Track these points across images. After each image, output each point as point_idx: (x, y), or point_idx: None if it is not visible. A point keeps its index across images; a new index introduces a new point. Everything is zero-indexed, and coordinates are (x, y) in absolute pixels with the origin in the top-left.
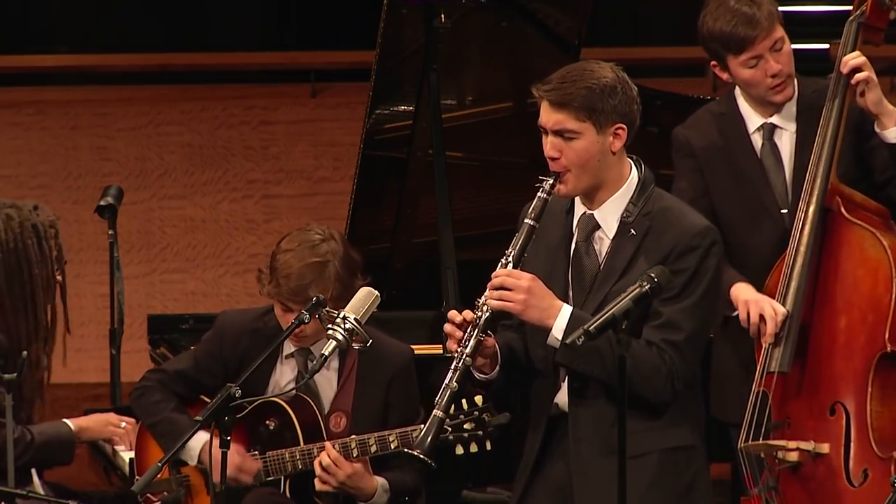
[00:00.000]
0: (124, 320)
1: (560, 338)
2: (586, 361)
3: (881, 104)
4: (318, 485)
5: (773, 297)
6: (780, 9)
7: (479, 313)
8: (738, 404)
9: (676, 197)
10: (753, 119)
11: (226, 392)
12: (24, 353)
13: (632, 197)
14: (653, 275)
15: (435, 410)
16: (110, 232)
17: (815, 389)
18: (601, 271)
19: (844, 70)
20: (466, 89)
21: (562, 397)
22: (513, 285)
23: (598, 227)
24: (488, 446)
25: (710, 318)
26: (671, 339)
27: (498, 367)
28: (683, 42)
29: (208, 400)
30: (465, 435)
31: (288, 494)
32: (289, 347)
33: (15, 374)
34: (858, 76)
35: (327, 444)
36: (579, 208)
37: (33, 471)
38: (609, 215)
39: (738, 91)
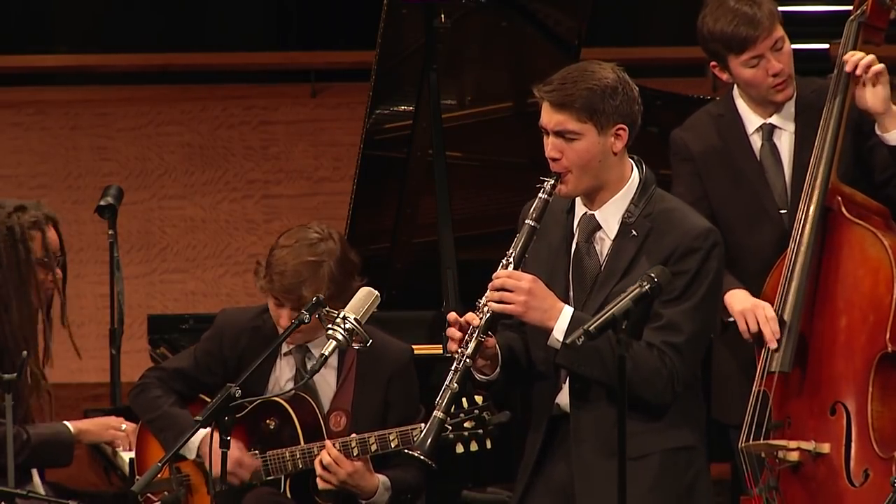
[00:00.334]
0: (124, 320)
1: (561, 339)
2: (587, 363)
3: (886, 103)
4: (319, 483)
5: (774, 298)
6: (780, 9)
7: (480, 315)
8: (740, 406)
9: None
10: (752, 120)
11: (226, 392)
12: (24, 353)
13: (633, 198)
14: (653, 275)
15: (436, 411)
16: (110, 232)
17: (815, 389)
18: (602, 272)
19: (859, 71)
20: (466, 89)
21: (563, 398)
22: (513, 287)
23: (599, 227)
24: (488, 445)
25: (711, 320)
26: (672, 341)
27: (498, 368)
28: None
29: (208, 399)
30: (466, 433)
31: (288, 494)
32: (286, 345)
33: (15, 375)
34: (875, 68)
35: (327, 442)
36: (580, 209)
37: (34, 471)
38: (610, 216)
39: (736, 92)
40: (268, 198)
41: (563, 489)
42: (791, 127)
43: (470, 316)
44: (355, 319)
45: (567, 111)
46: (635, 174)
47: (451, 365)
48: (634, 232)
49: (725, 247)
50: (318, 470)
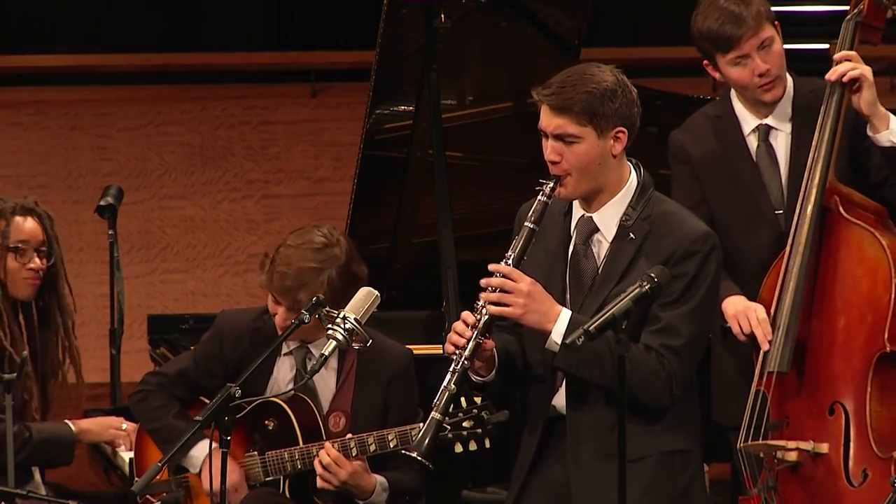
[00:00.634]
0: (124, 320)
1: (559, 342)
2: (585, 365)
3: (874, 106)
4: (319, 483)
5: (771, 298)
6: (781, 9)
7: (478, 315)
8: (739, 409)
9: None
10: (749, 120)
11: (226, 392)
12: (24, 352)
13: (631, 201)
14: (653, 275)
15: (433, 412)
16: (110, 232)
17: (814, 389)
18: (599, 274)
19: (832, 78)
20: (466, 89)
21: (559, 400)
22: (512, 288)
23: (596, 230)
24: (487, 444)
25: (709, 323)
26: (670, 343)
27: (495, 370)
28: (683, 42)
29: (208, 401)
30: (465, 433)
31: (287, 494)
32: (285, 346)
33: (15, 375)
34: (850, 74)
35: (326, 443)
36: (577, 211)
37: (35, 470)
38: (608, 218)
39: (733, 93)
40: (268, 198)
41: (559, 490)
42: (787, 127)
43: (466, 314)
44: (355, 319)
45: (567, 114)
46: (633, 177)
47: (449, 366)
48: (632, 235)
49: (723, 249)
50: (319, 470)
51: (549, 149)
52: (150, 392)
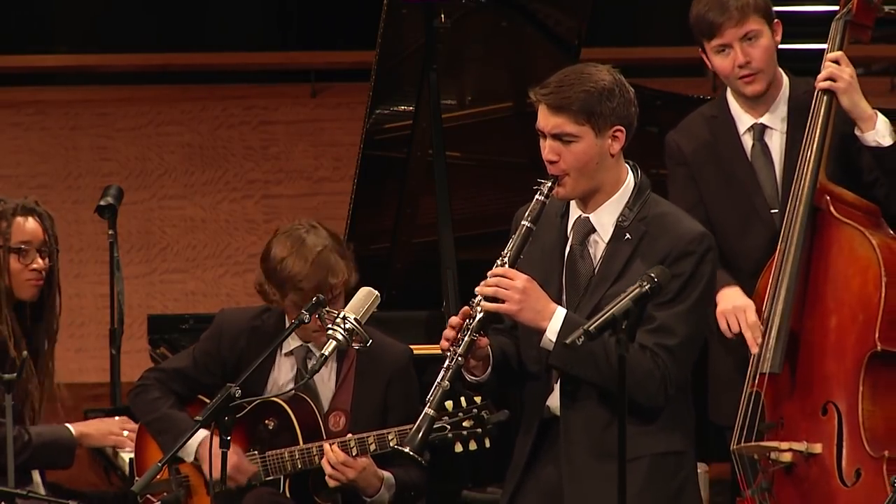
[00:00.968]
0: (124, 320)
1: (554, 340)
2: (580, 364)
3: (856, 108)
4: (329, 482)
5: (763, 298)
6: (781, 9)
7: (474, 312)
8: (736, 408)
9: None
10: (744, 120)
11: (226, 392)
12: (24, 352)
13: (628, 201)
14: (653, 274)
15: (426, 408)
16: (110, 232)
17: (807, 390)
18: (595, 275)
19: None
20: (466, 89)
21: (554, 400)
22: (508, 286)
23: (593, 230)
24: (487, 444)
25: (704, 323)
26: (665, 343)
27: (489, 370)
28: (683, 42)
29: (207, 400)
30: (464, 433)
31: (287, 494)
32: (288, 345)
33: (15, 375)
34: (819, 85)
35: (334, 445)
36: (574, 212)
37: (35, 471)
38: (605, 219)
39: (729, 93)
40: (268, 198)
41: (553, 491)
42: (782, 126)
43: (465, 309)
44: (355, 319)
45: (564, 114)
46: (630, 178)
47: (443, 363)
48: (629, 235)
49: (719, 249)
50: (328, 469)
51: (547, 148)
52: (147, 385)
